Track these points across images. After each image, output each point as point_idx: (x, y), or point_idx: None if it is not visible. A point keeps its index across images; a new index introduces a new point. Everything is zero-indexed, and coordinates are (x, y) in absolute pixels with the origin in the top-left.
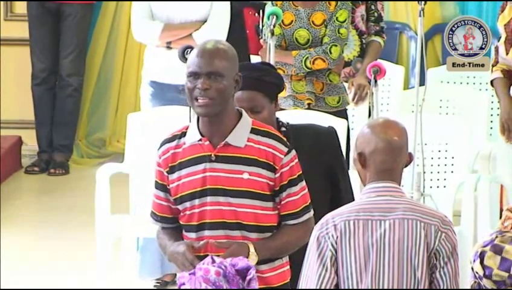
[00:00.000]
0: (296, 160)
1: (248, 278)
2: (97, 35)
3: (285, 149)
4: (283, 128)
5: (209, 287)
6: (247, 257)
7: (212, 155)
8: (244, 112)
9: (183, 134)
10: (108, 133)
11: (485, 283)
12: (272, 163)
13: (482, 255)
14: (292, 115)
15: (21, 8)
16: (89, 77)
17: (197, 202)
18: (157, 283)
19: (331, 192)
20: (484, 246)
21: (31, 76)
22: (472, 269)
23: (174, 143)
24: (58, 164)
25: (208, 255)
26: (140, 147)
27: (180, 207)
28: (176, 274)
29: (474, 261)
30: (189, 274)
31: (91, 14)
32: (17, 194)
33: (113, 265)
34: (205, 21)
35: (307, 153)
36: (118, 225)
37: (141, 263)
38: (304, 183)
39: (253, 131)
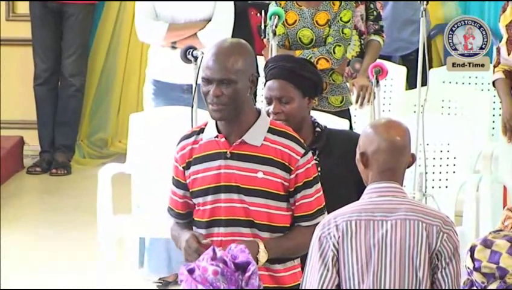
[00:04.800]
0: (313, 162)
1: (247, 275)
2: (100, 35)
3: (302, 151)
4: (318, 129)
5: (206, 288)
6: (257, 254)
7: (228, 152)
8: (263, 111)
9: (202, 130)
10: (110, 134)
11: (475, 276)
12: (287, 163)
13: (472, 249)
14: None
15: (23, 8)
16: (91, 77)
17: (209, 198)
18: (160, 282)
19: (356, 199)
20: (476, 242)
21: (34, 76)
22: (466, 266)
23: (191, 139)
24: (60, 164)
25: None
26: (142, 147)
27: (195, 201)
28: (178, 274)
29: (466, 256)
30: (188, 271)
31: (93, 14)
32: (18, 194)
33: (114, 265)
34: (210, 20)
35: (339, 158)
36: (119, 225)
37: (148, 262)
38: (319, 185)
39: (271, 131)
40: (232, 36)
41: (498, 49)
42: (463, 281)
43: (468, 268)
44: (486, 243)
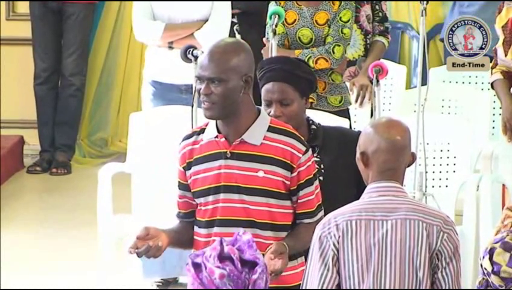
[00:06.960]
0: (313, 159)
1: (254, 277)
2: (100, 34)
3: (303, 148)
4: (313, 127)
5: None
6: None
7: (228, 152)
8: (262, 110)
9: (202, 130)
10: (110, 133)
11: (493, 279)
12: (289, 162)
13: (491, 252)
14: None
15: (23, 7)
16: (91, 76)
17: (210, 198)
18: (160, 282)
19: (356, 194)
20: (495, 243)
21: (34, 75)
22: (481, 265)
23: (191, 139)
24: (60, 164)
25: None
26: (142, 146)
27: (197, 201)
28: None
29: (483, 257)
30: (194, 265)
31: (93, 14)
32: (19, 193)
33: (114, 265)
34: (206, 20)
35: (334, 154)
36: (119, 225)
37: (144, 263)
38: (317, 182)
39: (271, 129)
40: (244, 36)
41: (495, 51)
42: (478, 281)
43: (485, 269)
44: (506, 246)
